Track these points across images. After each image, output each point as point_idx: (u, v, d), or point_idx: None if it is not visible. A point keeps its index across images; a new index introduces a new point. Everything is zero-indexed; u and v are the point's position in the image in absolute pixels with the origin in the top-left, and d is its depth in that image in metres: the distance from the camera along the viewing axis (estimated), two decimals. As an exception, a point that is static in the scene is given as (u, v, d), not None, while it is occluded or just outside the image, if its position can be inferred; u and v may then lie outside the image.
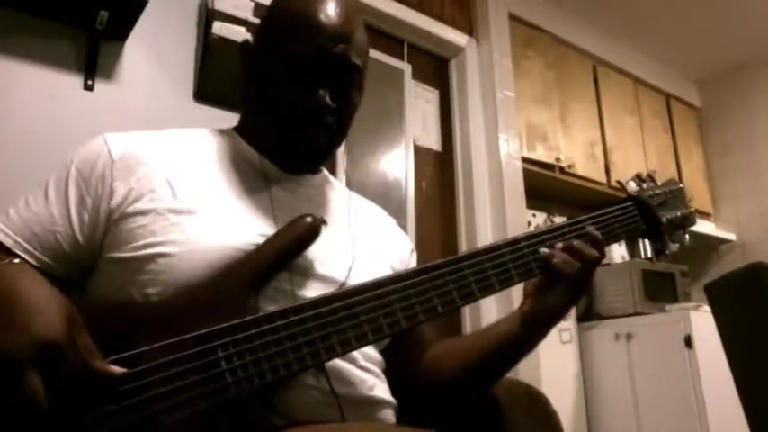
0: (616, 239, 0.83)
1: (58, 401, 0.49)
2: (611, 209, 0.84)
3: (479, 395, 0.82)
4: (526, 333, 0.77)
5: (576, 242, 0.74)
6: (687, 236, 0.91)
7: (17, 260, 0.56)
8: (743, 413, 1.27)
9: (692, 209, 0.93)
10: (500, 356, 0.80)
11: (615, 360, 2.55)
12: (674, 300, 2.70)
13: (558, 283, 0.74)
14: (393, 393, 0.78)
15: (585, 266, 0.74)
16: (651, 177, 0.92)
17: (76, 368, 0.51)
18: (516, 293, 0.80)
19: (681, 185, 0.94)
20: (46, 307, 0.51)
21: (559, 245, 0.75)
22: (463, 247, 2.30)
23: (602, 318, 2.66)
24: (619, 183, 0.92)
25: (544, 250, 0.74)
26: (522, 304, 0.78)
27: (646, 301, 2.58)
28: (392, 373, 0.80)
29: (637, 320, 2.54)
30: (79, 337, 0.52)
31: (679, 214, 0.90)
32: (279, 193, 0.78)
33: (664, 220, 0.88)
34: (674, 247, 0.90)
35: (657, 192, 0.90)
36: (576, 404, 2.54)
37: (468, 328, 2.20)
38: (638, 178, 0.91)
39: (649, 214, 0.87)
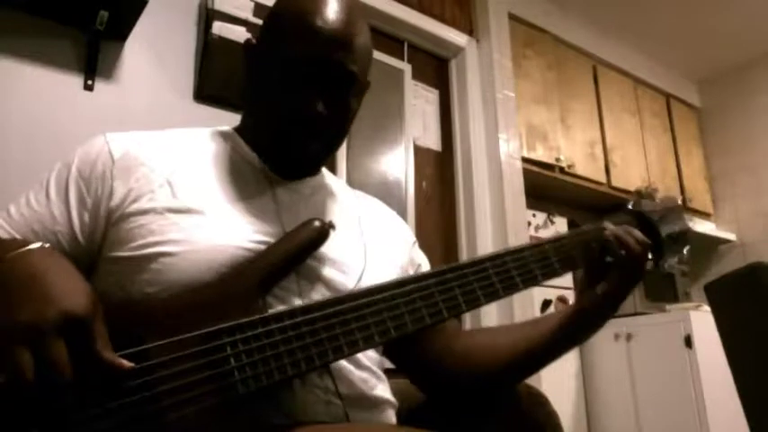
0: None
1: (75, 384, 0.50)
2: (612, 222, 0.85)
3: (509, 389, 0.82)
4: (579, 327, 0.78)
5: (621, 230, 0.76)
6: (686, 251, 0.94)
7: (47, 245, 0.58)
8: (743, 413, 1.28)
9: (689, 226, 0.96)
10: (549, 351, 0.80)
11: (615, 360, 2.55)
12: (674, 300, 2.71)
13: (608, 275, 0.75)
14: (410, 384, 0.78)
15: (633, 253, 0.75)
16: (651, 195, 0.96)
17: (92, 353, 0.51)
18: (517, 298, 0.80)
19: (679, 203, 0.97)
20: (76, 287, 0.53)
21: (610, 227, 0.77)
22: (463, 247, 2.30)
23: (602, 318, 2.66)
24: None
25: (609, 226, 0.77)
26: (576, 300, 0.79)
27: (646, 301, 2.58)
28: (416, 362, 0.80)
29: (637, 320, 2.54)
30: (99, 324, 0.52)
31: (677, 229, 0.93)
32: (282, 194, 0.78)
33: (664, 234, 0.90)
34: (673, 261, 0.93)
35: (657, 208, 0.93)
36: (576, 404, 2.54)
37: (468, 327, 2.20)
38: (639, 194, 0.95)
39: (650, 229, 0.89)
